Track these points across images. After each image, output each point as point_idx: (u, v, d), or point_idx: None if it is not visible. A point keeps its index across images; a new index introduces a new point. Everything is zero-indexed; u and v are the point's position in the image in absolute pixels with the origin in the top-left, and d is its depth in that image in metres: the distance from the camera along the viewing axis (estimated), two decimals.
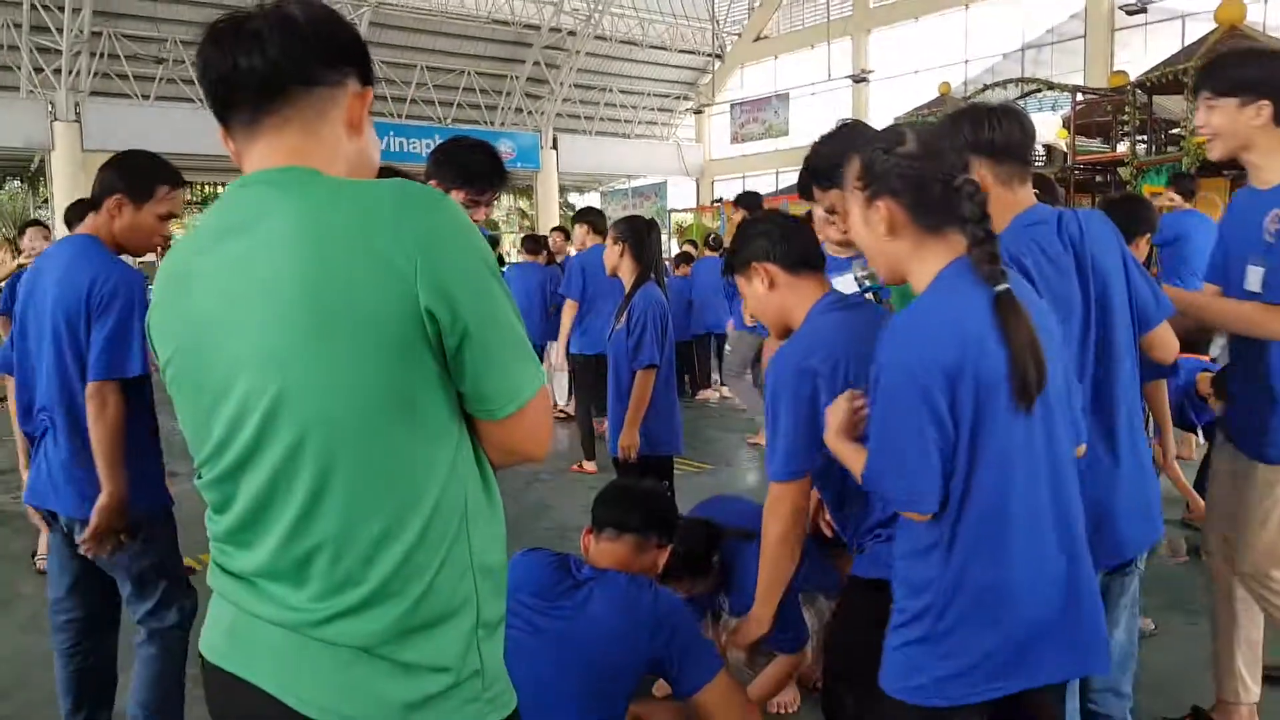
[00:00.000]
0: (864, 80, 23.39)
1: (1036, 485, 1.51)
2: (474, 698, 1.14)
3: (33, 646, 3.41)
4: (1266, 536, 2.40)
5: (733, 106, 26.71)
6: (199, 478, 1.18)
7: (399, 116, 23.90)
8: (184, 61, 19.20)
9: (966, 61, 22.13)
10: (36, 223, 6.49)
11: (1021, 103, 12.33)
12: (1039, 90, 13.51)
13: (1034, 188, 2.03)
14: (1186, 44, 12.61)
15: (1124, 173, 10.99)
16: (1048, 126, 13.78)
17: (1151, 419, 3.43)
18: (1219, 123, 2.31)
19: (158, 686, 2.53)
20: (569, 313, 6.54)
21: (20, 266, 5.59)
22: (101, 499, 2.35)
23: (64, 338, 2.38)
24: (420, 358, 1.06)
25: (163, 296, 1.18)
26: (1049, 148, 13.54)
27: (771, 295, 2.08)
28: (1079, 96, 12.92)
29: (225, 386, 1.09)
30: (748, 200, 6.94)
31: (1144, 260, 3.66)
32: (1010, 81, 14.03)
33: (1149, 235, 3.66)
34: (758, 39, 28.07)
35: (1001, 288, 1.46)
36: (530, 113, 25.87)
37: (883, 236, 1.58)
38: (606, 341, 4.04)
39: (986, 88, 14.12)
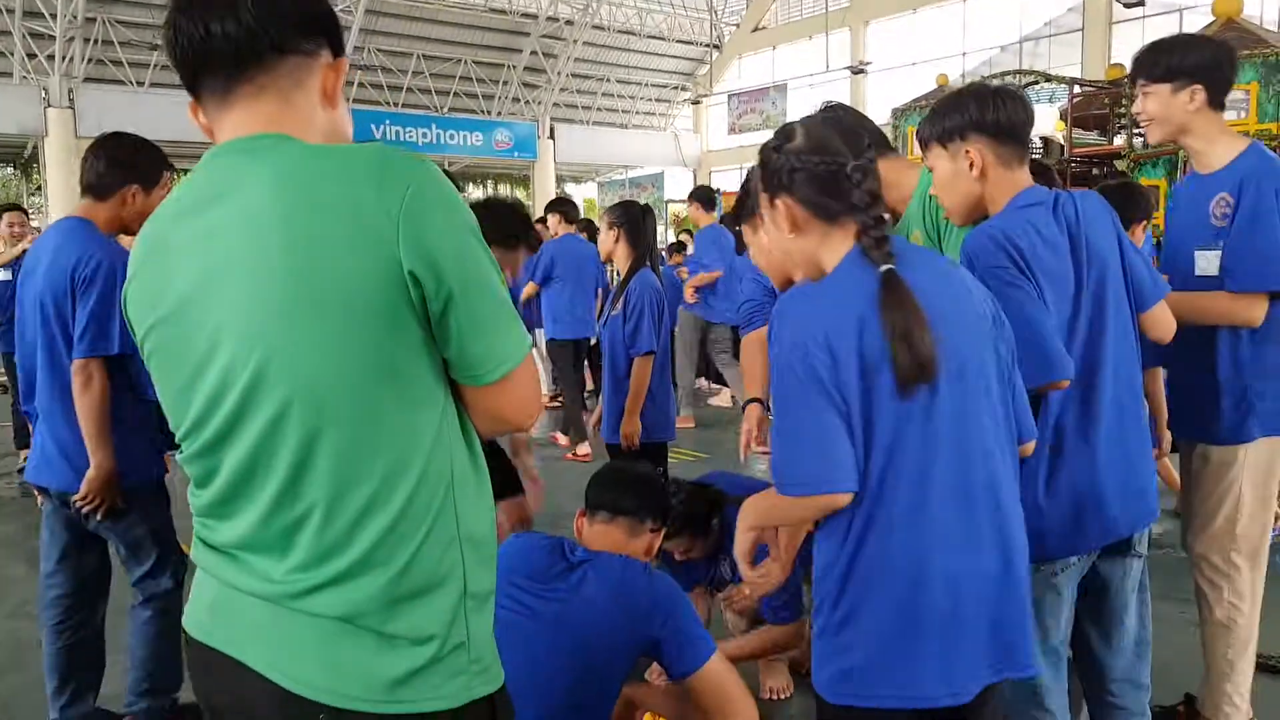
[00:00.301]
0: (862, 72, 23.34)
1: (932, 471, 1.44)
2: (460, 670, 1.12)
3: (25, 630, 3.43)
4: (1222, 516, 2.42)
5: (730, 97, 26.63)
6: (180, 452, 1.16)
7: (395, 105, 23.85)
8: None
9: (964, 53, 22.14)
10: (14, 207, 6.49)
11: None
12: (1036, 82, 13.45)
13: (1032, 175, 2.02)
14: None
15: (1121, 165, 10.96)
16: (1045, 119, 13.75)
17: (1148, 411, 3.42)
18: (1153, 108, 2.33)
19: (154, 646, 2.62)
20: (526, 294, 6.93)
21: (24, 251, 5.60)
22: (90, 472, 2.44)
23: (52, 318, 2.45)
24: (404, 324, 1.05)
25: (139, 269, 1.16)
26: (1046, 140, 13.48)
27: None
28: (1076, 89, 12.87)
29: (206, 359, 1.08)
30: (701, 194, 7.20)
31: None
32: (1008, 73, 13.99)
33: (1145, 223, 3.68)
34: (755, 30, 28.00)
35: (885, 268, 1.43)
36: (527, 102, 25.80)
37: (788, 235, 1.55)
38: (598, 327, 4.04)
39: (984, 80, 14.08)
